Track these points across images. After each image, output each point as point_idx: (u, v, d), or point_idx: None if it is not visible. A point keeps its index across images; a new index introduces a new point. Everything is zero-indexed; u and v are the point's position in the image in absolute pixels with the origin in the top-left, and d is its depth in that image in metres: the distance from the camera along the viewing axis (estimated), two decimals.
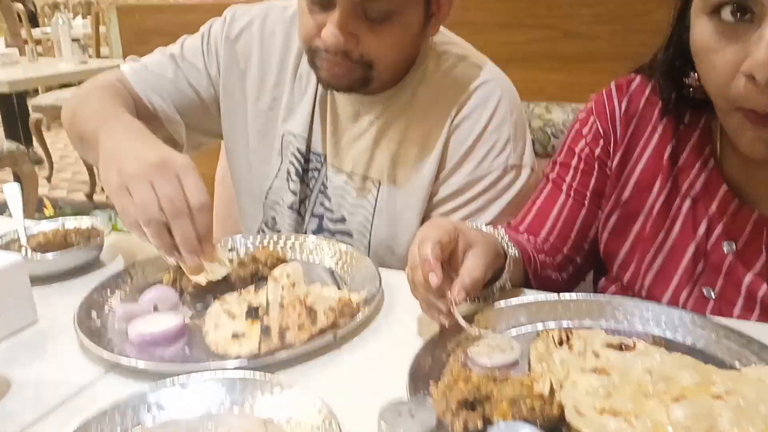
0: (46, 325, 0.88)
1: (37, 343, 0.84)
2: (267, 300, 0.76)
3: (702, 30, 0.77)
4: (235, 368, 0.72)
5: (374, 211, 1.16)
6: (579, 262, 1.03)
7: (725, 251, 0.89)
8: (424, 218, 1.14)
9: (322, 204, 1.22)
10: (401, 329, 0.84)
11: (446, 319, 0.76)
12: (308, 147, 1.20)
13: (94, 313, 0.86)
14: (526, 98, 1.45)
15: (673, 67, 0.88)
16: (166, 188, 0.84)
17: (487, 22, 1.74)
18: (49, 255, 0.99)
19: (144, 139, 0.94)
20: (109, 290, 0.93)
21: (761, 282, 0.87)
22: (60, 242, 1.04)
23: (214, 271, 0.90)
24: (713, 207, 0.90)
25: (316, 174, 1.21)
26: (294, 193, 1.22)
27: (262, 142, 1.24)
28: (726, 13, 0.73)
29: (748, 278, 0.88)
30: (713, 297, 0.90)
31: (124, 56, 2.26)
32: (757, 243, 0.88)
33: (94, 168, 4.03)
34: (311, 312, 0.78)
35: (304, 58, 1.17)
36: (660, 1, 1.61)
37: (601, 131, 0.98)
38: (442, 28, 1.17)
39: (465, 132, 1.10)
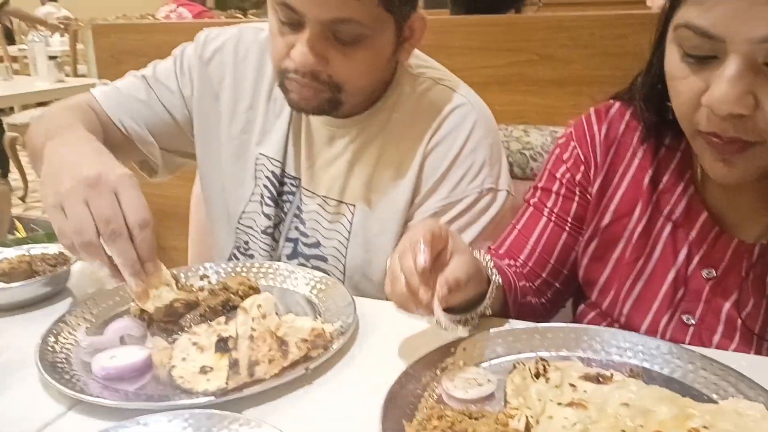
0: (9, 358, 0.84)
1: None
2: (236, 333, 0.74)
3: (672, 58, 0.78)
4: (201, 405, 0.69)
5: (349, 236, 1.14)
6: (558, 287, 1.02)
7: (705, 278, 0.89)
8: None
9: (296, 228, 1.20)
10: (376, 360, 0.82)
11: (425, 311, 0.74)
12: (283, 170, 1.19)
13: (57, 346, 0.83)
14: (504, 121, 1.45)
15: (655, 91, 0.88)
16: (101, 207, 0.79)
17: (464, 45, 1.75)
18: (13, 284, 0.96)
19: (87, 152, 0.89)
20: (73, 321, 0.89)
21: (741, 309, 0.87)
22: (25, 270, 1.00)
23: (161, 296, 0.85)
24: (693, 233, 0.90)
25: (290, 198, 1.20)
26: (268, 217, 1.20)
27: (236, 165, 1.22)
28: (692, 49, 0.75)
29: (727, 305, 0.87)
30: (693, 323, 0.89)
31: (100, 76, 2.23)
32: (736, 270, 0.87)
33: None
34: (282, 344, 0.75)
35: None
36: (636, 26, 1.64)
37: (582, 157, 0.98)
38: (417, 52, 1.16)
39: (440, 156, 1.10)
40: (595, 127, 0.98)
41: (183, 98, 1.22)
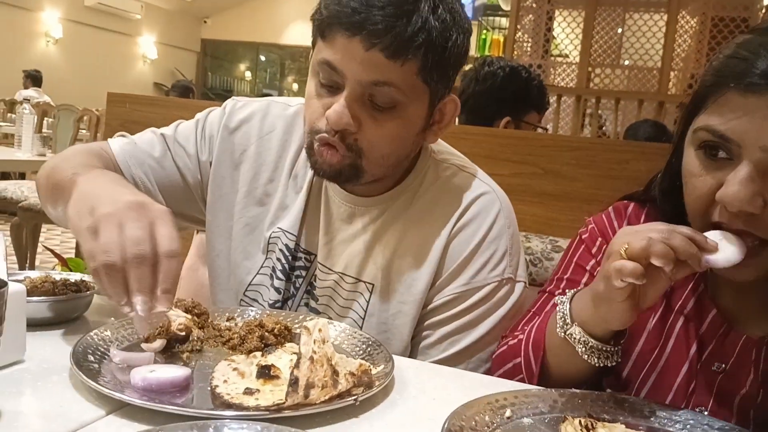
0: (32, 366, 0.81)
1: (26, 382, 0.77)
2: (299, 351, 0.73)
3: (689, 158, 0.86)
4: (256, 418, 0.67)
5: (365, 315, 1.12)
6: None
7: (715, 371, 0.92)
8: (417, 326, 1.12)
9: (306, 304, 1.17)
10: (417, 407, 0.80)
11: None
12: (297, 244, 1.17)
13: (90, 356, 0.80)
14: None
15: (673, 187, 0.93)
16: (135, 231, 0.79)
17: (473, 152, 1.83)
18: (34, 298, 0.92)
19: (124, 185, 0.92)
20: (107, 336, 0.87)
21: (753, 401, 0.89)
22: (47, 291, 0.97)
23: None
24: (703, 328, 0.94)
25: (303, 273, 1.17)
26: (278, 290, 1.17)
27: (248, 237, 1.20)
28: (709, 150, 0.83)
29: (738, 398, 0.90)
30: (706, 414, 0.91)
31: None
32: (746, 364, 0.90)
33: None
34: (334, 373, 0.75)
35: (302, 156, 1.17)
36: (637, 153, 1.77)
37: None
38: (441, 141, 1.19)
39: (464, 241, 1.10)
40: (616, 224, 1.03)
41: (198, 162, 1.21)
